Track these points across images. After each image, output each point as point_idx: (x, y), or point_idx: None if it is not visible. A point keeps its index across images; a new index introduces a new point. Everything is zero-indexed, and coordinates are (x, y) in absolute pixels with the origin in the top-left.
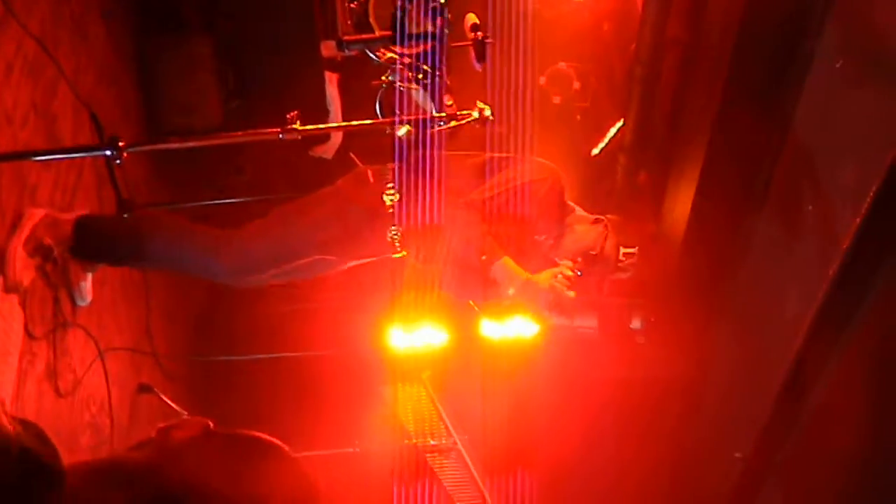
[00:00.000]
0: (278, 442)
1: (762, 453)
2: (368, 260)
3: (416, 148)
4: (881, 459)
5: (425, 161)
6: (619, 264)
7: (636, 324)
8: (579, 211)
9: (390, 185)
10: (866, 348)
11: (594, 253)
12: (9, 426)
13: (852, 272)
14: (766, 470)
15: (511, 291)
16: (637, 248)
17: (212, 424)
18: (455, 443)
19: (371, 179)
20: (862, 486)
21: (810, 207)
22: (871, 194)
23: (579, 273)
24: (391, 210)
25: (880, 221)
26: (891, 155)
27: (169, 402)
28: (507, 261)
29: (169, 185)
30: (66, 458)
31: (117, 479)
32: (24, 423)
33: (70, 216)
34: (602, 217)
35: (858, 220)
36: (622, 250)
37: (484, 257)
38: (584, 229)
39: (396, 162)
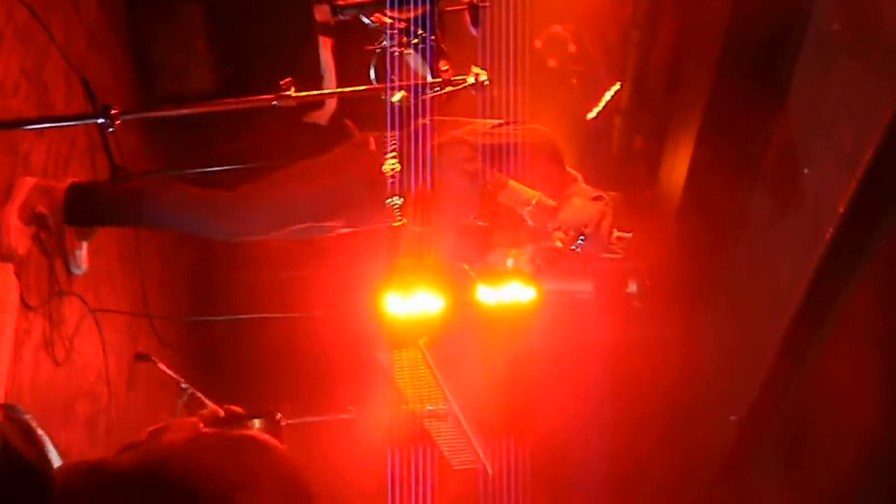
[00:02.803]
0: (272, 440)
1: (757, 417)
2: (368, 227)
3: (413, 114)
4: (876, 424)
5: (424, 128)
6: (611, 246)
7: (632, 288)
8: (582, 183)
9: (391, 153)
10: (862, 312)
11: (587, 231)
12: None
13: (848, 235)
14: (761, 433)
15: (527, 211)
16: (632, 234)
17: (202, 425)
18: (452, 408)
19: (373, 147)
20: (857, 451)
21: (806, 171)
22: (868, 157)
23: (574, 247)
24: (391, 178)
25: (876, 184)
26: (887, 117)
27: (166, 369)
28: (515, 183)
29: (162, 152)
30: (63, 429)
31: (108, 482)
32: (12, 412)
33: (63, 184)
34: (603, 195)
35: (855, 183)
36: (616, 233)
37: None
38: (582, 204)
39: (397, 130)
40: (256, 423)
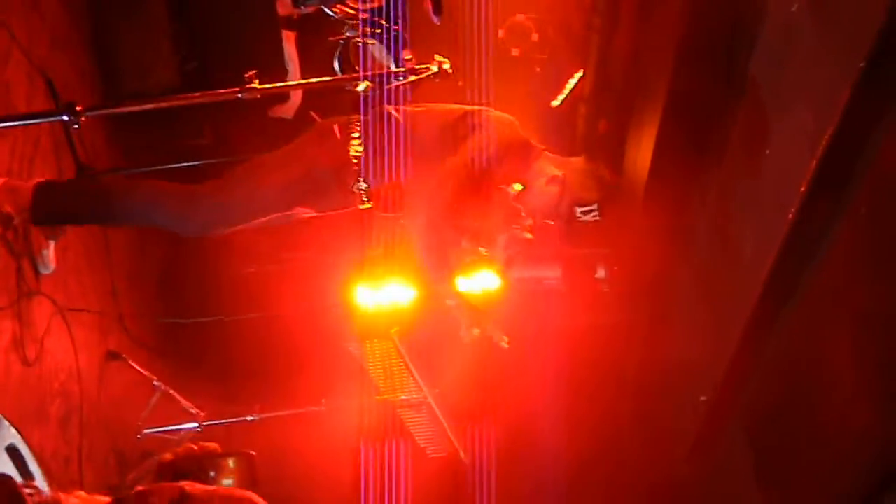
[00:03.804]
0: (255, 497)
1: (726, 397)
2: (336, 212)
3: (379, 102)
4: (844, 400)
5: (389, 115)
6: (577, 221)
7: (600, 273)
8: (547, 157)
9: (356, 137)
10: (827, 289)
11: (548, 215)
12: None
13: (811, 214)
14: (729, 413)
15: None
16: (597, 205)
17: (187, 488)
18: (425, 397)
19: (337, 134)
20: (824, 427)
21: (768, 152)
22: (827, 137)
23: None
24: (357, 163)
25: (836, 164)
26: (844, 96)
27: (138, 367)
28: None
29: (128, 149)
30: (36, 429)
31: None
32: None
33: (29, 184)
34: (558, 175)
35: (815, 162)
36: (578, 209)
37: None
38: (541, 189)
39: (361, 115)
40: (231, 461)
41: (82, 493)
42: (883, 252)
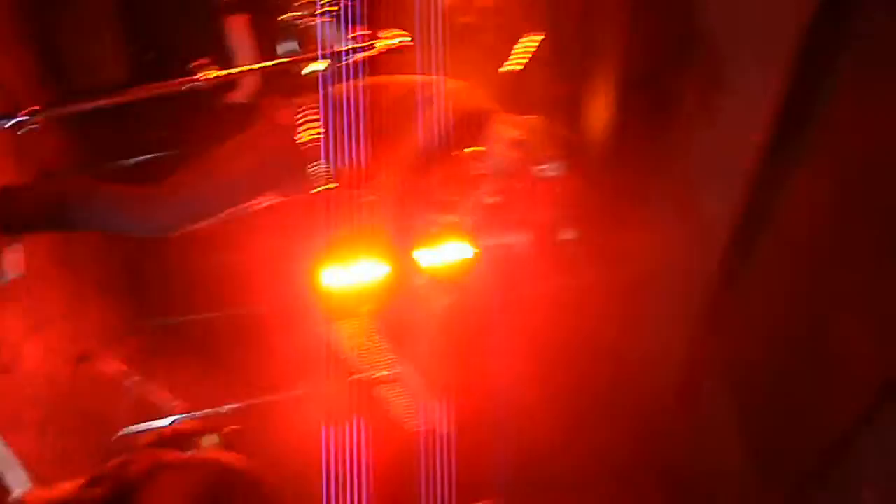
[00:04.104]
0: (232, 462)
1: (700, 350)
2: (299, 196)
3: (334, 82)
4: (809, 339)
5: (344, 94)
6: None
7: (567, 235)
8: (502, 119)
9: (310, 118)
10: (789, 240)
11: (514, 181)
12: None
13: (769, 165)
14: (705, 365)
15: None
16: (559, 162)
17: (163, 456)
18: (401, 372)
19: (290, 118)
20: (797, 365)
21: (724, 104)
22: (781, 87)
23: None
24: (313, 144)
25: (792, 115)
26: (795, 46)
27: (111, 368)
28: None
29: (83, 148)
30: (13, 436)
31: None
32: None
33: None
34: (518, 137)
35: (769, 113)
36: (542, 168)
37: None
38: (502, 153)
39: (316, 95)
40: (206, 439)
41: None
42: (843, 198)
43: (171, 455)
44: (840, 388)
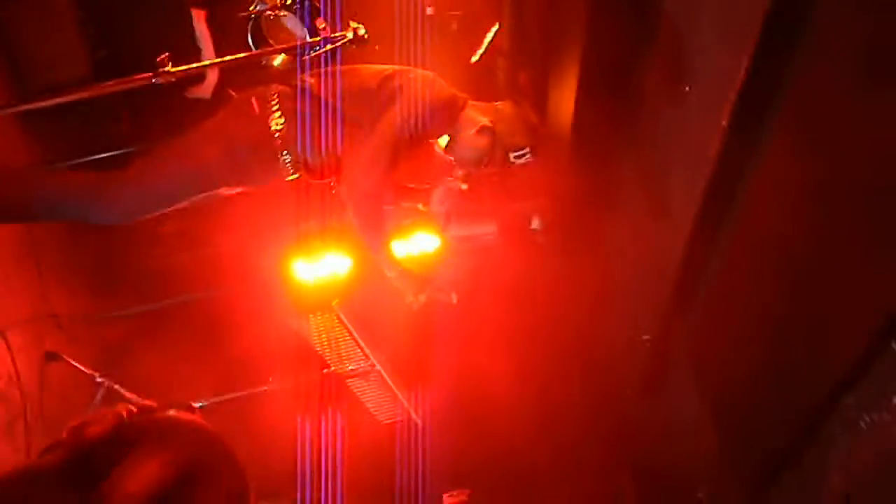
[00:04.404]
0: (194, 417)
1: (668, 332)
2: (262, 186)
3: (298, 73)
4: (775, 324)
5: (312, 85)
6: (511, 167)
7: (536, 224)
8: (471, 106)
9: (276, 108)
10: (753, 219)
11: (483, 164)
12: None
13: (733, 149)
14: (672, 348)
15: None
16: (528, 148)
17: (125, 413)
18: (373, 364)
19: (256, 109)
20: (764, 350)
21: (687, 89)
22: (744, 70)
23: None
24: (278, 135)
25: (755, 98)
26: (756, 28)
27: (78, 365)
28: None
29: (45, 144)
30: None
31: (38, 485)
32: None
33: None
34: (488, 125)
35: (734, 95)
36: (512, 155)
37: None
38: (471, 141)
39: (279, 86)
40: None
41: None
42: (809, 182)
43: (136, 414)
44: (807, 375)
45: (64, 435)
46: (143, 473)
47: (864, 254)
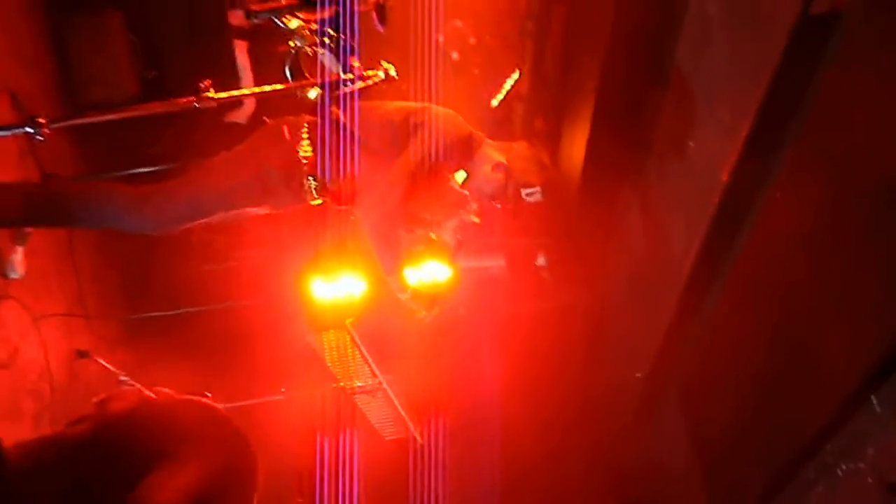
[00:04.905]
0: (209, 402)
1: (660, 371)
2: (289, 209)
3: (329, 106)
4: (762, 370)
5: (340, 117)
6: (521, 203)
7: (541, 260)
8: (488, 144)
9: (305, 136)
10: (747, 270)
11: (496, 200)
12: None
13: (732, 203)
14: (664, 386)
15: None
16: (539, 186)
17: (147, 392)
18: (380, 383)
19: (287, 135)
20: (751, 394)
21: (692, 144)
22: (746, 128)
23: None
24: (306, 162)
25: (755, 153)
26: (761, 90)
27: (106, 364)
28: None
29: (91, 156)
30: (10, 426)
31: (60, 456)
32: None
33: None
34: (502, 162)
35: (735, 153)
36: (523, 192)
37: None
38: (486, 176)
39: (310, 116)
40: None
41: None
42: (803, 236)
43: (154, 393)
44: (790, 421)
45: (90, 409)
46: (176, 485)
47: (849, 312)
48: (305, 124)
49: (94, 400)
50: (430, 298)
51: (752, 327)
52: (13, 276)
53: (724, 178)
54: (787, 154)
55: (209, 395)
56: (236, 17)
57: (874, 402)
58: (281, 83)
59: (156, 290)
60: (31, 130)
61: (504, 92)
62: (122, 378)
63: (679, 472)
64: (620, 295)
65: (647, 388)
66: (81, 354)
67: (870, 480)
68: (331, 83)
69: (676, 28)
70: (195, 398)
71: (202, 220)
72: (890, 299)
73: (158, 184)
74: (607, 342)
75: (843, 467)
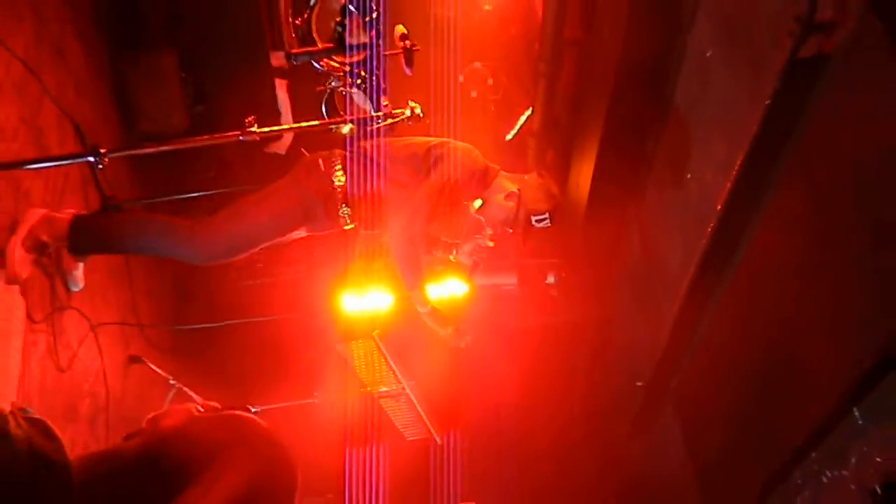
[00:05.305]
0: (253, 416)
1: (658, 381)
2: (324, 233)
3: (359, 140)
4: (754, 384)
5: (369, 149)
6: (532, 230)
7: (551, 279)
8: (503, 175)
9: (339, 168)
10: (740, 290)
11: (508, 225)
12: (20, 428)
13: (726, 229)
14: (662, 395)
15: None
16: (548, 214)
17: (195, 409)
18: (404, 388)
19: (322, 167)
20: (743, 404)
21: (689, 176)
22: (738, 164)
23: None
24: (340, 190)
25: (747, 186)
26: (753, 129)
27: (156, 369)
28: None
29: (146, 182)
30: (68, 426)
31: (119, 469)
32: (32, 421)
33: (62, 215)
34: (515, 191)
35: (729, 185)
36: (534, 219)
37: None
38: (500, 204)
39: (343, 150)
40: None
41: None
42: (786, 261)
43: (202, 411)
44: (779, 430)
45: (143, 425)
46: (213, 495)
47: (833, 331)
48: (338, 157)
49: (147, 417)
50: (447, 317)
51: (744, 342)
52: (74, 288)
53: (719, 207)
54: (778, 186)
55: (251, 408)
56: (278, 59)
57: (856, 414)
58: (317, 119)
59: (202, 303)
60: (93, 159)
61: (518, 127)
62: (171, 382)
63: (676, 475)
64: (623, 311)
65: (646, 397)
66: (134, 360)
67: (853, 487)
68: (362, 120)
69: (676, 70)
70: (238, 412)
71: (250, 251)
72: (871, 321)
73: (209, 217)
74: (611, 354)
75: (828, 474)
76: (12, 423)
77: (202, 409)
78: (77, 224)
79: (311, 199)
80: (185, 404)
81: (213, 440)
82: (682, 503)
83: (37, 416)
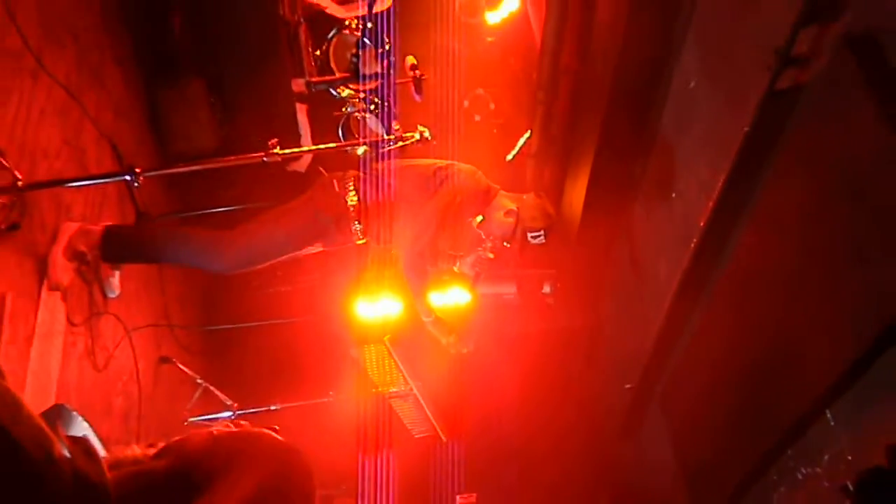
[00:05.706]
0: (272, 433)
1: (646, 383)
2: (339, 247)
3: (374, 161)
4: (734, 387)
5: (380, 170)
6: (528, 245)
7: (546, 289)
8: (502, 194)
9: (351, 188)
10: (721, 300)
11: (507, 243)
12: (65, 451)
13: (708, 244)
14: (649, 396)
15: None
16: (543, 231)
17: (216, 432)
18: (412, 389)
19: (336, 187)
20: (724, 406)
21: (674, 195)
22: (720, 184)
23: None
24: (353, 208)
25: (728, 205)
26: (734, 151)
27: (185, 369)
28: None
29: (177, 198)
30: (103, 421)
31: (150, 486)
32: (74, 440)
33: (99, 227)
34: (513, 209)
35: (711, 203)
36: (530, 235)
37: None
38: (499, 220)
39: (360, 170)
40: None
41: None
42: (765, 274)
43: (223, 431)
44: (757, 428)
45: (172, 443)
46: (227, 497)
47: (808, 340)
48: (352, 178)
49: (174, 439)
50: (449, 325)
51: (726, 348)
52: (111, 295)
53: (702, 223)
54: (756, 204)
55: (277, 427)
56: (298, 86)
57: (829, 415)
58: (334, 141)
59: (228, 307)
60: (129, 178)
61: (517, 149)
62: (199, 381)
63: (662, 472)
64: (613, 318)
65: (635, 398)
66: (164, 360)
67: (826, 484)
68: (375, 142)
69: (664, 98)
70: (263, 430)
71: (268, 262)
72: (842, 333)
73: (230, 231)
74: (602, 358)
75: (803, 471)
76: (58, 448)
77: (228, 429)
78: (108, 234)
79: (325, 219)
80: (209, 427)
81: (231, 452)
82: (670, 500)
83: (80, 434)
